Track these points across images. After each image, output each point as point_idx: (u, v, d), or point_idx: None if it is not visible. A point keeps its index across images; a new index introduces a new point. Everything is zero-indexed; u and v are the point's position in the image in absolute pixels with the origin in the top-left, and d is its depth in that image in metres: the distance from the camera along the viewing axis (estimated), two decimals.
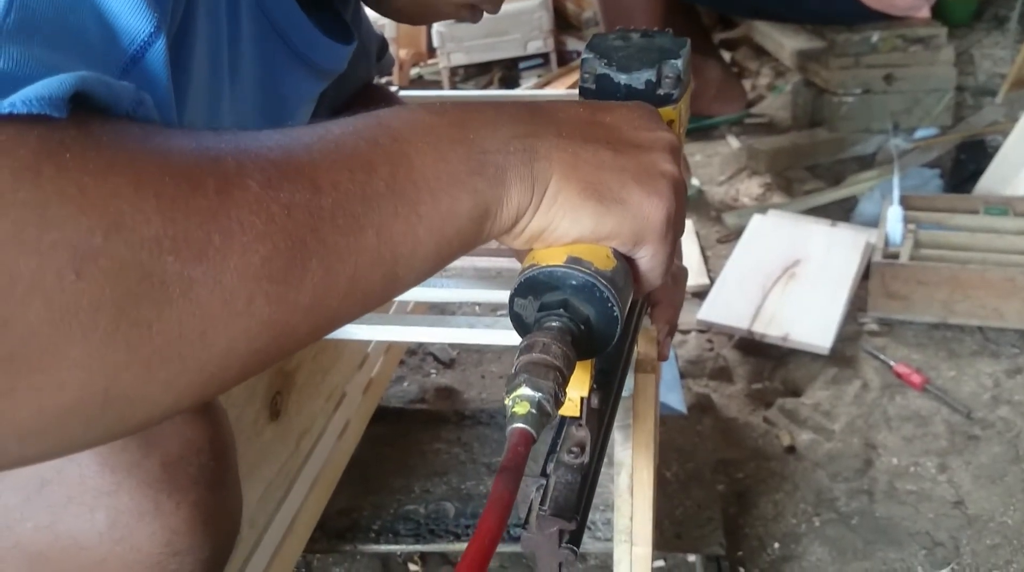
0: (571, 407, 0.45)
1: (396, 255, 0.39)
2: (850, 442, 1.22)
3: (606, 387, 0.49)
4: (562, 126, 0.45)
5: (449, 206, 0.40)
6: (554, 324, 0.42)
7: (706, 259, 1.72)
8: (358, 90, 0.94)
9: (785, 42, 2.25)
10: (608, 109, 0.49)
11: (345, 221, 0.37)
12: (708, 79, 2.27)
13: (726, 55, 2.58)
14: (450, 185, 0.40)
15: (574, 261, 0.43)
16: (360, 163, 0.38)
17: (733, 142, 2.21)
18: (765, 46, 2.46)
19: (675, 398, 1.32)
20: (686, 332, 1.51)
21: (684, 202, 0.47)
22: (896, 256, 1.43)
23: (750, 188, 1.97)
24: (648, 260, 0.46)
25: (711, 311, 1.46)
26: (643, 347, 0.72)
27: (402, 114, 0.42)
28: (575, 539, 0.43)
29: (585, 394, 0.45)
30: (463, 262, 0.84)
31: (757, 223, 1.65)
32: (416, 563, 1.09)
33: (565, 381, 0.40)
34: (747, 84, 2.51)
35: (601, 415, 0.48)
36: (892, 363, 1.33)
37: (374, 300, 0.40)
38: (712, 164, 2.14)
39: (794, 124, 2.20)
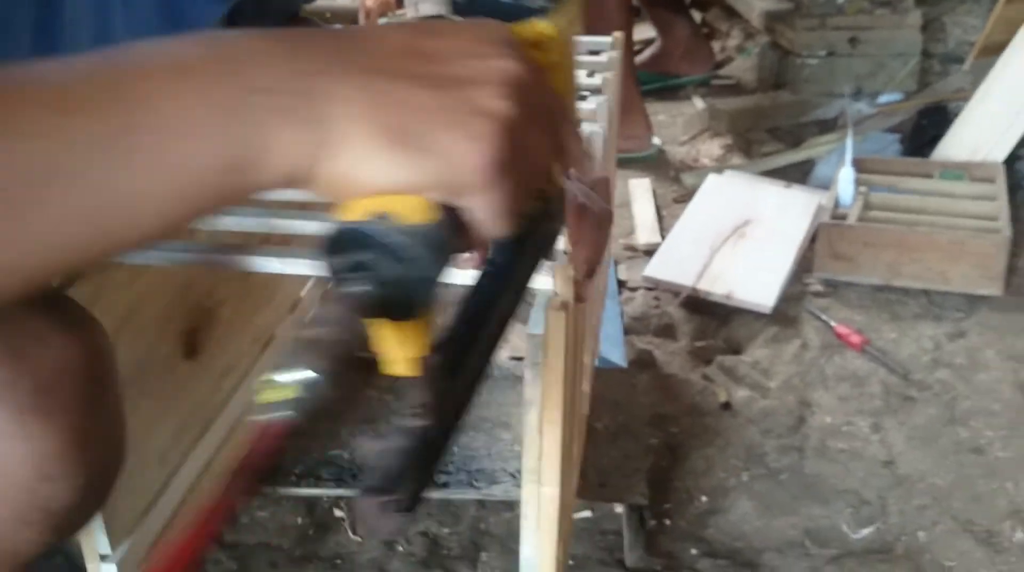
0: (408, 367, 0.42)
1: (113, 210, 0.35)
2: (785, 400, 1.22)
3: (470, 342, 0.46)
4: (370, 59, 0.39)
5: (190, 155, 0.35)
6: (350, 289, 0.38)
7: (661, 218, 1.71)
8: (280, 23, 0.91)
9: (755, 2, 2.23)
10: (436, 34, 0.42)
11: (45, 170, 0.33)
12: (676, 38, 2.25)
13: (697, 15, 2.55)
14: (193, 131, 0.35)
15: (378, 216, 0.37)
16: (82, 103, 0.34)
17: (698, 103, 2.19)
18: (736, 7, 2.43)
19: (617, 353, 1.31)
20: (634, 289, 1.50)
21: (533, 140, 0.41)
22: (844, 217, 1.42)
23: (711, 149, 1.96)
24: (478, 211, 0.39)
25: (658, 268, 1.45)
26: (559, 286, 0.71)
27: (162, 48, 0.37)
28: (406, 506, 0.39)
29: (420, 354, 0.41)
30: None
31: (712, 183, 1.63)
32: (342, 508, 1.08)
33: (347, 355, 0.37)
34: (716, 45, 2.49)
35: (468, 371, 0.45)
36: (833, 323, 1.33)
37: (84, 258, 0.36)
38: (676, 124, 2.12)
39: (759, 86, 2.18)
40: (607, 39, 1.20)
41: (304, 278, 1.12)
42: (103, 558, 0.76)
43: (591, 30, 1.90)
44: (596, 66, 1.11)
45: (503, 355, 1.30)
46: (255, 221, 0.77)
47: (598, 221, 0.77)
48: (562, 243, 0.74)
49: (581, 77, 1.10)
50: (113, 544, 0.76)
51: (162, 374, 0.83)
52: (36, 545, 0.55)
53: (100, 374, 0.58)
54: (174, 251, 0.73)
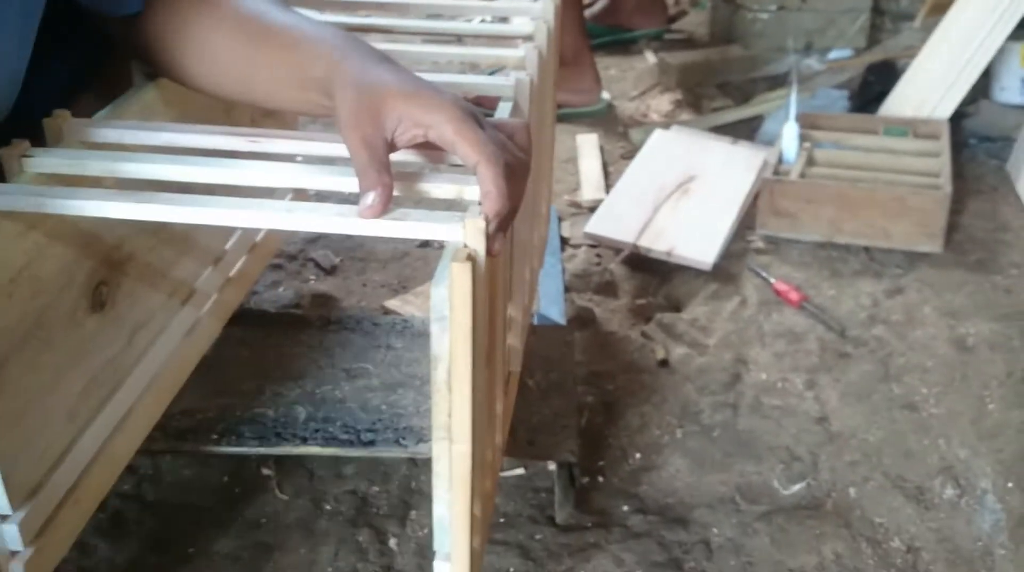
0: None
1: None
2: (722, 357, 1.21)
3: None
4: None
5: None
6: None
7: (608, 175, 1.69)
8: None
9: None
10: None
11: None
12: None
13: None
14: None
15: None
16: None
17: (650, 58, 2.16)
18: None
19: (555, 310, 1.30)
20: (576, 246, 1.48)
21: None
22: (787, 174, 1.40)
23: (660, 104, 1.93)
24: None
25: (600, 224, 1.43)
26: (468, 238, 0.68)
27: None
28: None
29: None
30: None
31: (658, 138, 1.61)
32: (270, 468, 1.06)
33: None
34: None
35: None
36: (772, 281, 1.32)
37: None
38: (626, 79, 2.09)
39: (711, 41, 2.16)
40: None
41: (227, 230, 1.09)
42: (3, 519, 0.73)
43: None
44: (531, 11, 1.08)
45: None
46: (175, 168, 0.74)
47: (512, 171, 0.75)
48: (474, 194, 0.72)
49: (516, 24, 1.07)
50: (14, 504, 0.73)
51: (66, 328, 0.79)
52: None
53: None
54: (75, 199, 0.70)
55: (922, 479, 1.02)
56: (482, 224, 0.68)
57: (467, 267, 0.64)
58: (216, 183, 0.75)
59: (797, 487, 1.01)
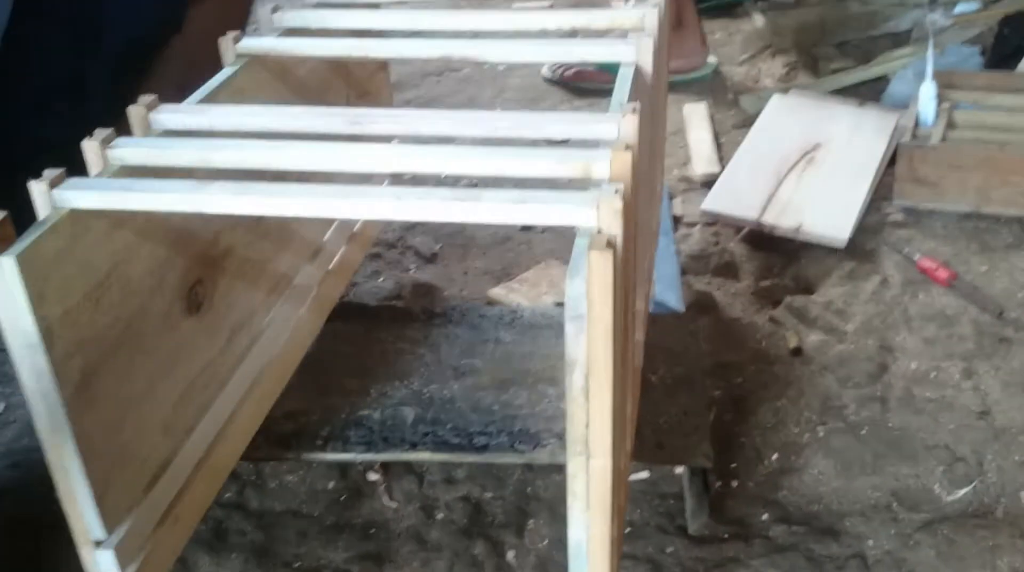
0: None
1: None
2: (864, 344, 1.10)
3: None
4: None
5: None
6: None
7: (719, 146, 1.57)
8: None
9: None
10: None
11: None
12: None
13: None
14: None
15: None
16: None
17: (758, 19, 2.03)
18: None
19: (672, 296, 1.20)
20: (691, 225, 1.38)
21: None
22: (927, 138, 1.27)
23: (773, 68, 1.80)
24: None
25: (718, 201, 1.32)
26: (603, 221, 0.59)
27: None
28: None
29: None
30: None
31: (776, 104, 1.49)
32: (377, 471, 0.99)
33: None
34: None
35: None
36: (916, 257, 1.19)
37: None
38: (733, 42, 1.96)
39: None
40: None
41: (326, 219, 1.02)
42: (97, 544, 0.67)
43: None
44: None
45: (547, 300, 1.20)
46: (272, 154, 0.67)
47: None
48: (604, 170, 0.63)
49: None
50: (109, 526, 0.68)
51: (161, 333, 0.73)
52: None
53: None
54: (167, 192, 0.63)
55: None
56: (619, 204, 0.59)
57: (608, 256, 0.56)
58: (315, 170, 0.68)
59: (962, 492, 0.90)
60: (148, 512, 0.72)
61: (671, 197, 1.46)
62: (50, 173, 0.63)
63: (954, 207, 1.26)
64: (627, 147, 0.64)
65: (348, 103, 1.05)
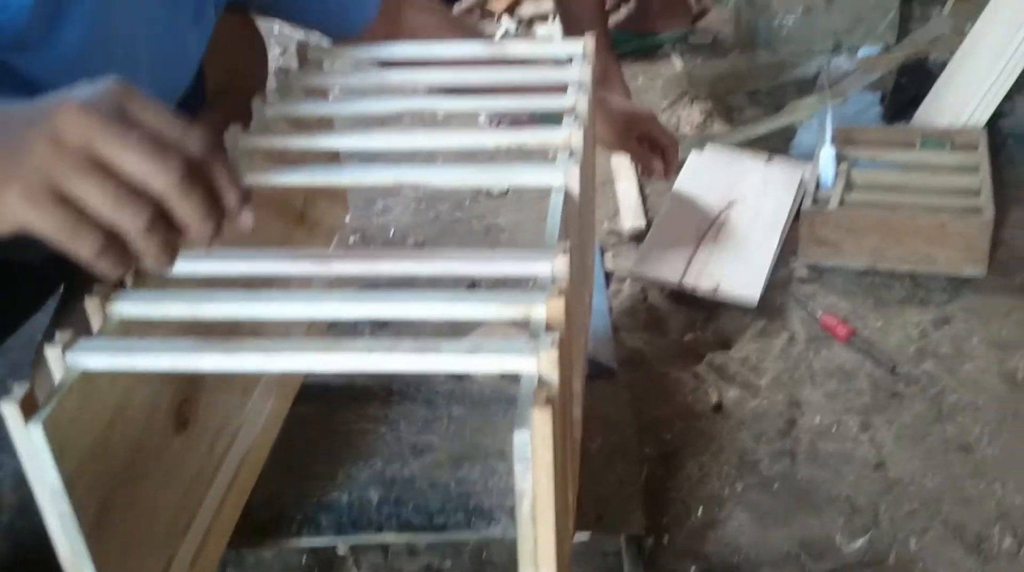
0: None
1: None
2: (775, 399, 1.23)
3: None
4: None
5: None
6: None
7: (645, 198, 1.69)
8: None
9: None
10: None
11: None
12: None
13: None
14: None
15: None
16: None
17: (677, 63, 2.16)
18: None
19: (606, 354, 1.32)
20: (622, 280, 1.50)
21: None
22: (826, 201, 1.41)
23: (691, 115, 1.93)
24: None
25: (644, 263, 1.45)
26: (543, 370, 0.71)
27: None
28: None
29: None
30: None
31: (692, 163, 1.62)
32: (346, 547, 1.10)
33: None
34: None
35: None
36: (819, 313, 1.33)
37: None
38: (655, 88, 2.09)
39: (737, 43, 2.14)
40: (578, 45, 1.17)
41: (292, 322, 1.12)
42: None
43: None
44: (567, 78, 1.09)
45: (495, 374, 1.31)
46: (257, 306, 0.77)
47: None
48: (542, 313, 0.74)
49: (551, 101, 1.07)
50: None
51: (157, 454, 0.83)
52: None
53: None
54: (165, 352, 0.73)
55: (981, 527, 1.04)
56: (555, 354, 0.71)
57: (547, 412, 0.67)
58: (291, 319, 0.78)
59: (860, 542, 1.04)
60: None
61: (602, 252, 1.58)
62: (63, 336, 0.72)
63: (852, 264, 1.41)
64: (560, 292, 0.76)
65: (304, 207, 1.15)
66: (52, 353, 0.72)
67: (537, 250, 0.82)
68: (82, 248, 0.56)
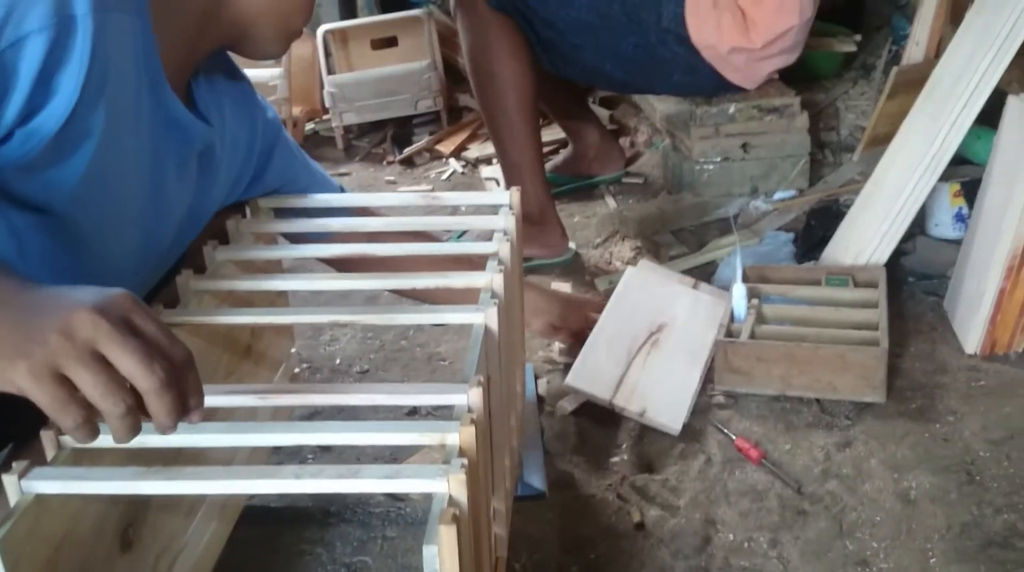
0: None
1: None
2: (692, 518, 1.32)
3: None
4: None
5: None
6: None
7: None
8: None
9: (657, 105, 2.37)
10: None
11: None
12: (587, 143, 2.37)
13: (606, 112, 2.69)
14: None
15: None
16: None
17: (611, 202, 2.32)
18: (641, 106, 2.57)
19: (537, 478, 1.40)
20: (554, 403, 1.59)
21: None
22: (738, 333, 1.53)
23: (622, 251, 2.07)
24: None
25: (577, 377, 1.53)
26: (454, 491, 0.79)
27: None
28: None
29: None
30: None
31: (628, 279, 1.71)
32: None
33: None
34: (626, 141, 2.63)
35: None
36: (734, 437, 1.43)
37: None
38: (590, 226, 2.24)
39: (665, 184, 2.31)
40: (505, 196, 1.30)
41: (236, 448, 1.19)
42: None
43: (499, 142, 2.02)
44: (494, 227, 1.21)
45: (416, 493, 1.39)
46: (194, 437, 0.85)
47: None
48: (455, 440, 0.83)
49: (478, 245, 1.20)
50: None
51: None
52: None
53: None
54: (110, 480, 0.81)
55: None
56: (463, 477, 0.80)
57: (453, 529, 0.76)
58: (232, 447, 0.87)
59: None
60: None
61: (536, 378, 1.68)
62: (19, 465, 0.80)
63: (764, 391, 1.52)
64: (472, 421, 0.85)
65: (251, 340, 1.25)
66: (9, 480, 0.80)
67: (454, 384, 0.92)
68: (66, 420, 0.70)
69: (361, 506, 1.26)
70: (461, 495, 0.80)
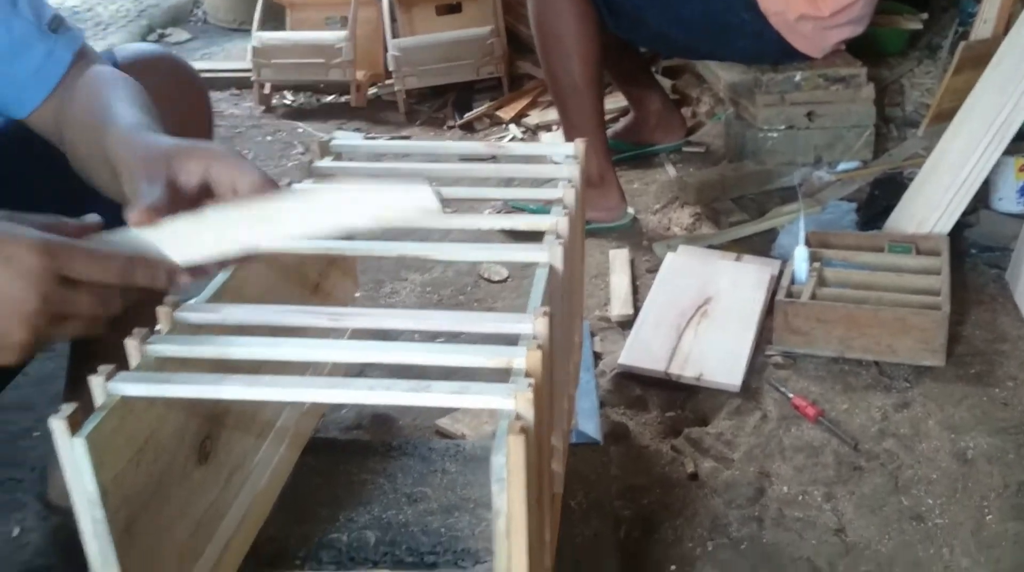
0: None
1: None
2: (747, 470, 1.33)
3: None
4: None
5: None
6: None
7: (636, 289, 1.82)
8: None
9: (721, 74, 2.36)
10: None
11: None
12: (649, 110, 2.38)
13: (669, 82, 2.69)
14: None
15: None
16: None
17: (670, 170, 2.32)
18: (704, 76, 2.57)
19: (591, 426, 1.43)
20: (609, 363, 1.61)
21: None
22: (799, 294, 1.53)
23: (681, 218, 2.08)
24: None
25: (631, 355, 1.55)
26: (519, 407, 0.82)
27: None
28: None
29: None
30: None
31: (669, 262, 1.74)
32: None
33: None
34: (688, 111, 2.62)
35: None
36: (791, 395, 1.44)
37: None
38: (648, 192, 2.24)
39: (727, 153, 2.31)
40: (570, 147, 1.31)
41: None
42: None
43: (562, 105, 2.03)
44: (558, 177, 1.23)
45: (487, 428, 1.42)
46: (275, 350, 0.89)
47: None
48: (523, 363, 0.86)
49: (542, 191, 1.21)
50: None
51: (180, 483, 0.93)
52: None
53: None
54: (194, 384, 0.85)
55: None
56: (530, 395, 0.82)
57: (521, 439, 0.78)
58: (306, 361, 0.90)
59: None
60: None
61: (592, 335, 1.70)
62: (105, 368, 0.84)
63: (823, 352, 1.52)
64: (539, 346, 0.87)
65: (321, 277, 1.28)
66: (96, 381, 0.83)
67: (521, 313, 0.95)
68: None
69: (422, 443, 1.29)
70: (528, 412, 0.82)
